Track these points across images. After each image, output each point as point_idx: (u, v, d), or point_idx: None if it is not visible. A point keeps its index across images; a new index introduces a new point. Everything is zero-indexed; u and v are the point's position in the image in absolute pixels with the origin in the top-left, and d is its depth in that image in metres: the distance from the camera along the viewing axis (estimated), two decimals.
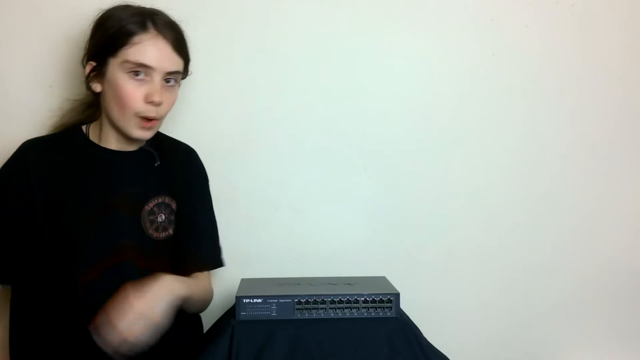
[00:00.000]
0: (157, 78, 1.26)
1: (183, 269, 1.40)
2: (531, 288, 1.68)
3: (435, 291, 1.66)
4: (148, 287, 1.19)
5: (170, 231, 1.37)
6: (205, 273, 1.45)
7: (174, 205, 1.38)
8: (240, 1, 1.57)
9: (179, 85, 1.36)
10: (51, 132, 1.41)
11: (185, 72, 1.35)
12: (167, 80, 1.29)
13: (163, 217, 1.36)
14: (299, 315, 1.29)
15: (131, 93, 1.25)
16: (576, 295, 1.69)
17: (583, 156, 1.66)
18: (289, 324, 1.27)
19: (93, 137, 1.36)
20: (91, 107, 1.38)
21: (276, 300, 1.28)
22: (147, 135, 1.31)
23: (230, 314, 1.33)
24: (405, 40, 1.62)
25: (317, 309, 1.29)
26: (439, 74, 1.63)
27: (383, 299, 1.30)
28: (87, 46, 1.32)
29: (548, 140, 1.66)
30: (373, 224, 1.64)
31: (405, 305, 1.34)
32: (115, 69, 1.26)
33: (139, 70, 1.25)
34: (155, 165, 1.37)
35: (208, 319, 1.52)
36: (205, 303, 1.45)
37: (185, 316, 1.38)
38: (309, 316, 1.29)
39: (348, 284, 1.39)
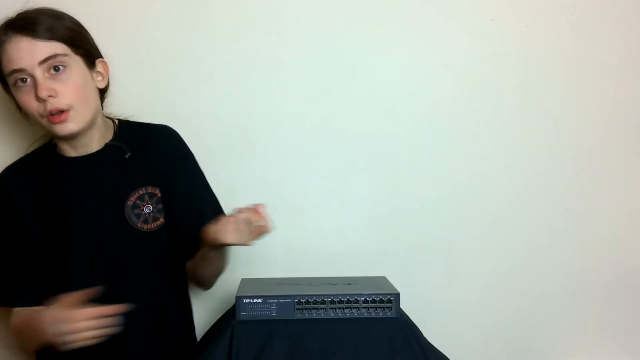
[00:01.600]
0: (37, 74, 1.21)
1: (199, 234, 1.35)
2: (531, 288, 1.67)
3: (435, 291, 1.66)
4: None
5: (162, 220, 1.35)
6: None
7: (159, 193, 1.35)
8: (240, 1, 1.57)
9: (95, 67, 1.31)
10: (27, 152, 1.41)
11: (82, 52, 1.28)
12: (54, 69, 1.23)
13: (150, 207, 1.34)
14: (299, 315, 1.29)
15: (26, 101, 1.24)
16: (577, 294, 1.68)
17: (583, 156, 1.66)
18: (289, 324, 1.27)
19: (58, 148, 1.35)
20: None
21: (276, 300, 1.28)
22: (68, 127, 1.25)
23: (230, 314, 1.33)
24: (405, 40, 1.62)
25: (317, 309, 1.29)
26: (438, 74, 1.63)
27: (383, 299, 1.30)
28: None
29: (548, 140, 1.65)
30: (373, 224, 1.64)
31: (405, 305, 1.33)
32: (11, 87, 1.26)
33: (20, 77, 1.22)
34: (126, 157, 1.34)
35: (208, 318, 1.53)
36: (225, 262, 1.42)
37: (169, 310, 1.39)
38: (309, 316, 1.29)
39: (348, 284, 1.39)
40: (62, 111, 1.23)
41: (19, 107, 1.30)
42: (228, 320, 1.30)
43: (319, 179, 1.62)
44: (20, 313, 1.30)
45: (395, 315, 1.30)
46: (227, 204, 1.51)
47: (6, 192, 1.32)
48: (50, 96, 1.21)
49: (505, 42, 1.63)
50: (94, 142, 1.33)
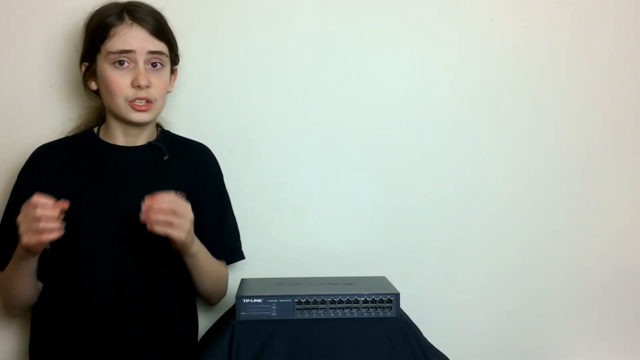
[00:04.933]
0: (141, 62, 1.31)
1: None
2: (531, 288, 1.67)
3: (435, 291, 1.66)
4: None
5: None
6: (223, 263, 1.47)
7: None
8: (240, 1, 1.57)
9: (172, 73, 1.41)
10: (65, 136, 1.45)
11: (173, 57, 1.40)
12: (153, 65, 1.33)
13: None
14: (299, 315, 1.29)
15: (118, 81, 1.31)
16: (577, 294, 1.69)
17: (583, 155, 1.66)
18: (289, 324, 1.27)
19: (103, 136, 1.40)
20: (104, 110, 1.41)
21: (276, 300, 1.28)
22: (144, 117, 1.34)
23: (230, 314, 1.34)
24: (405, 40, 1.62)
25: (317, 309, 1.29)
26: (438, 74, 1.63)
27: (383, 299, 1.30)
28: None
29: (548, 140, 1.66)
30: (373, 224, 1.64)
31: (405, 305, 1.34)
32: (102, 63, 1.33)
33: (122, 59, 1.31)
34: (165, 159, 1.39)
35: (208, 319, 1.53)
36: (218, 284, 1.46)
37: (181, 311, 1.40)
38: (309, 316, 1.29)
39: (348, 284, 1.40)
40: (148, 101, 1.33)
41: (85, 80, 1.38)
42: (228, 320, 1.30)
43: (319, 179, 1.62)
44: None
45: (395, 315, 1.30)
46: None
47: (36, 168, 1.36)
48: (147, 86, 1.31)
49: (505, 42, 1.63)
50: (142, 137, 1.40)
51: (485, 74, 1.63)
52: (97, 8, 1.36)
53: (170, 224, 1.22)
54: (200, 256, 1.34)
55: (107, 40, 1.31)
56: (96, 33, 1.33)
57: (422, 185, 1.64)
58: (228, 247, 1.48)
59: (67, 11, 1.48)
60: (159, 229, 1.22)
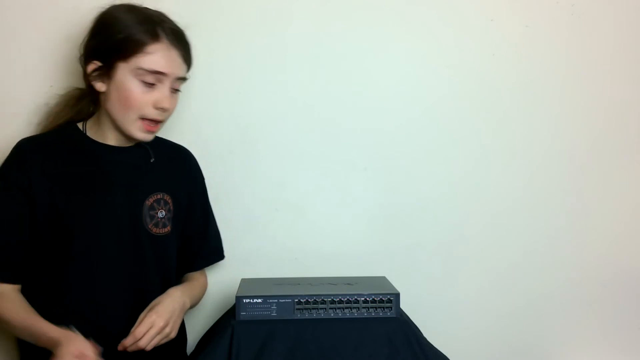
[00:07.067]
0: (167, 84, 1.30)
1: (187, 267, 1.48)
2: (531, 287, 1.68)
3: (435, 291, 1.66)
4: (166, 307, 1.27)
5: (169, 228, 1.39)
6: (203, 272, 1.53)
7: (171, 203, 1.40)
8: (240, 2, 1.57)
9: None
10: (43, 130, 1.41)
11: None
12: (174, 89, 1.33)
13: (163, 213, 1.38)
14: (299, 315, 1.29)
15: (140, 98, 1.29)
16: (576, 294, 1.69)
17: (582, 155, 1.67)
18: (289, 324, 1.27)
19: (91, 133, 1.37)
20: (81, 101, 1.39)
21: (276, 300, 1.28)
22: (149, 137, 1.34)
23: (230, 314, 1.34)
24: (405, 40, 1.62)
25: (317, 309, 1.29)
26: (438, 74, 1.63)
27: (383, 299, 1.30)
28: (86, 44, 1.33)
29: (547, 140, 1.66)
30: (373, 224, 1.64)
31: (405, 305, 1.34)
32: (126, 74, 1.28)
33: (153, 79, 1.29)
34: (151, 161, 1.39)
35: (208, 319, 1.53)
36: (200, 299, 1.50)
37: None
38: (309, 316, 1.29)
39: (348, 284, 1.40)
40: (158, 122, 1.33)
41: (90, 78, 1.32)
42: (228, 320, 1.30)
43: (319, 179, 1.62)
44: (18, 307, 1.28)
45: (395, 315, 1.30)
46: (228, 204, 1.52)
47: (22, 162, 1.30)
48: (168, 110, 1.32)
49: (505, 42, 1.63)
50: (132, 140, 1.38)
51: (484, 74, 1.63)
52: (120, 12, 1.31)
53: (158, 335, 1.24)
54: (191, 299, 1.38)
55: (140, 55, 1.27)
56: (125, 43, 1.27)
57: (422, 185, 1.64)
58: (213, 249, 1.52)
59: (67, 11, 1.48)
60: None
